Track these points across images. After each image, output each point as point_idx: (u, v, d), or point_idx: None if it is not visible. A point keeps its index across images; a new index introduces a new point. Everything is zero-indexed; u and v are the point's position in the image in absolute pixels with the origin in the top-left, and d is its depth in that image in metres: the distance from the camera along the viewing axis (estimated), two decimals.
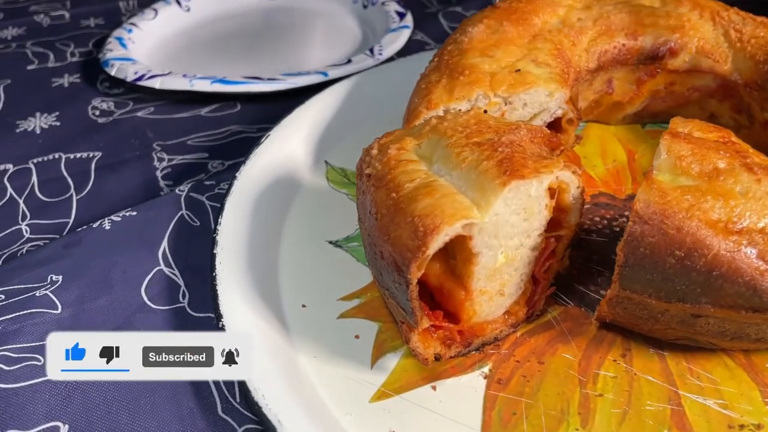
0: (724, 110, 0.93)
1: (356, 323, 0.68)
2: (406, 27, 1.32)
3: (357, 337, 0.67)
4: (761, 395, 0.61)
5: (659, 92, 0.95)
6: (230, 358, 0.58)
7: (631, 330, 0.66)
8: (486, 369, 0.64)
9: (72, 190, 0.97)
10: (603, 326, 0.67)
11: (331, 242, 0.78)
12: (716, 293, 0.56)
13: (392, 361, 0.64)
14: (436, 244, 0.54)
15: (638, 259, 0.57)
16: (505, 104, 0.79)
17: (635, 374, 0.63)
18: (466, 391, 0.62)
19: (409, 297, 0.56)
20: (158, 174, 1.00)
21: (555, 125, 0.85)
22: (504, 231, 0.59)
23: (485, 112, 0.76)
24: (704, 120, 0.93)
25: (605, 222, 0.80)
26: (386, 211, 0.59)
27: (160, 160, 1.03)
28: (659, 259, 0.56)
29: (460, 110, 0.76)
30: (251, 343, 0.60)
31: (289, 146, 0.88)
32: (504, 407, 0.60)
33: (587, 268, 0.74)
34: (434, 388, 0.62)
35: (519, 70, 0.80)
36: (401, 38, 1.28)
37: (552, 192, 0.61)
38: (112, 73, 1.21)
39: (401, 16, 1.38)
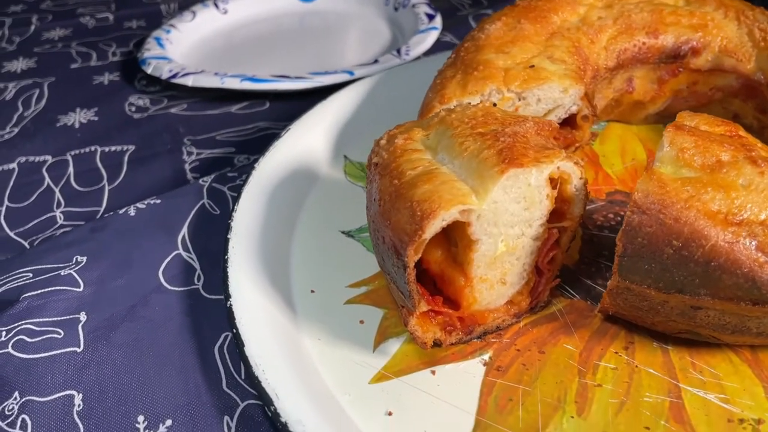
0: (747, 110, 0.92)
1: (362, 309, 0.70)
2: (434, 29, 1.34)
3: (362, 322, 0.68)
4: (765, 391, 0.60)
5: (681, 92, 0.94)
6: (237, 336, 0.61)
7: (634, 323, 0.66)
8: (486, 356, 0.65)
9: (105, 181, 1.02)
10: (607, 319, 0.68)
11: (343, 232, 0.80)
12: (715, 285, 0.56)
13: (394, 345, 0.66)
14: (432, 228, 0.55)
15: (636, 249, 0.57)
16: (519, 99, 0.80)
17: (636, 366, 0.63)
18: (464, 376, 0.63)
19: (407, 280, 0.57)
20: (186, 167, 1.03)
21: (570, 122, 0.85)
22: (504, 219, 0.60)
23: (495, 106, 0.77)
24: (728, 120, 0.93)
25: (618, 219, 0.80)
26: (388, 198, 0.60)
27: (189, 153, 1.07)
28: (657, 249, 0.56)
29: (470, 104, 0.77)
30: (257, 321, 0.62)
31: (308, 140, 0.91)
32: (501, 393, 0.61)
33: (596, 263, 0.74)
34: (433, 372, 0.63)
35: (533, 66, 0.81)
36: (429, 39, 1.29)
37: (554, 182, 0.62)
38: (149, 71, 1.26)
39: (430, 18, 1.40)
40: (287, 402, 0.55)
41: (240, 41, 1.51)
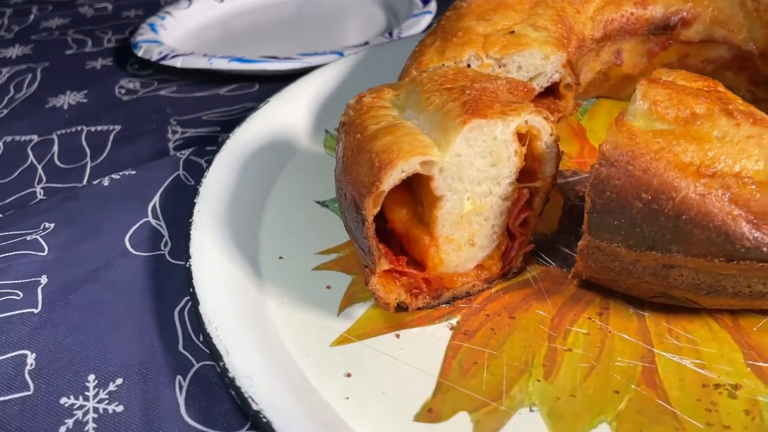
0: (740, 83, 0.89)
1: (330, 275, 0.68)
2: (429, 12, 1.32)
3: (329, 287, 0.66)
4: (744, 357, 0.57)
5: (673, 65, 0.92)
6: (193, 295, 0.59)
7: (610, 289, 0.63)
8: (454, 321, 0.62)
9: (87, 158, 1.01)
10: (582, 286, 0.65)
11: (318, 202, 0.78)
12: (686, 240, 0.53)
13: (360, 310, 0.64)
14: (390, 179, 0.53)
15: (605, 204, 0.55)
16: (499, 66, 0.78)
17: (610, 332, 0.60)
18: (429, 340, 0.60)
19: (366, 235, 0.55)
20: (170, 145, 1.02)
21: (553, 92, 0.83)
22: (469, 174, 0.58)
23: None
24: None
25: None
26: (350, 153, 0.58)
27: (174, 132, 1.06)
28: (626, 203, 0.54)
29: None
30: (215, 282, 0.60)
31: (288, 113, 0.89)
32: (466, 356, 0.59)
33: (575, 232, 0.72)
34: (398, 336, 0.61)
35: (513, 32, 0.79)
36: (422, 23, 1.28)
37: (522, 138, 0.59)
38: (140, 54, 1.25)
39: (425, 2, 1.38)
40: (237, 358, 0.53)
41: (237, 29, 1.51)
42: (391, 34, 1.24)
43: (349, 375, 0.57)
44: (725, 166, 0.53)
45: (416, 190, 0.61)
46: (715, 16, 0.87)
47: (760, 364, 0.56)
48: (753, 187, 0.52)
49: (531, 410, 0.54)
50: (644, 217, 0.53)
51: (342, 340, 0.60)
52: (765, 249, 0.51)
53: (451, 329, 0.61)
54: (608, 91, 0.95)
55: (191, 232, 0.66)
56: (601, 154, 0.54)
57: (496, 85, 0.62)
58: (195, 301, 0.58)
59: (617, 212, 0.54)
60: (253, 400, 0.49)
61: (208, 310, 0.57)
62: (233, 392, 0.50)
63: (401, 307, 0.61)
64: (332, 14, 1.53)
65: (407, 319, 0.62)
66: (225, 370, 0.52)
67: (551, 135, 0.60)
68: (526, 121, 0.58)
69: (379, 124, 0.59)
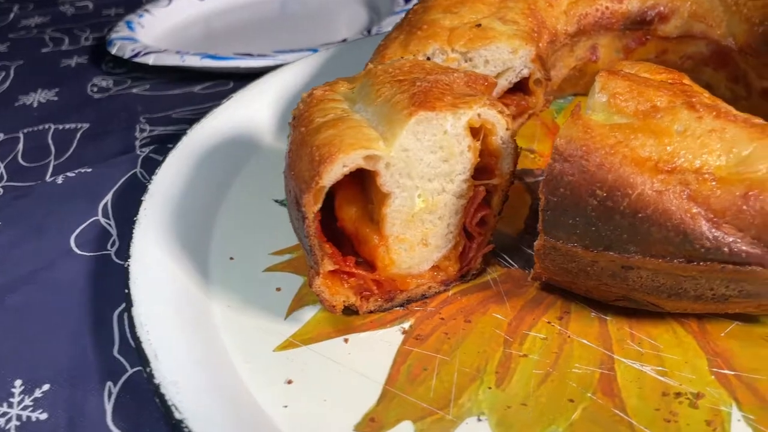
0: (719, 80, 0.86)
1: (282, 277, 0.65)
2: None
3: (278, 289, 0.63)
4: (708, 364, 0.54)
5: (651, 62, 0.87)
6: (128, 297, 0.56)
7: (572, 293, 0.60)
8: (407, 325, 0.59)
9: (51, 157, 0.98)
10: (544, 289, 0.62)
11: (277, 201, 0.75)
12: (644, 240, 0.50)
13: (309, 313, 0.61)
14: (330, 173, 0.50)
15: (559, 201, 0.52)
16: (465, 60, 0.75)
17: (569, 337, 0.57)
18: (379, 345, 0.57)
19: (307, 233, 0.52)
20: (137, 143, 1.00)
21: (523, 87, 0.80)
22: (418, 170, 0.55)
23: None
24: None
25: None
26: (294, 147, 0.56)
27: (142, 131, 1.03)
28: (580, 200, 0.51)
29: None
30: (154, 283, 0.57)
31: (252, 109, 0.86)
32: (415, 362, 0.55)
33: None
34: (346, 340, 0.58)
35: (480, 25, 0.76)
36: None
37: (476, 133, 0.56)
38: (113, 51, 1.23)
39: (406, 0, 1.35)
40: (165, 363, 0.50)
41: (218, 27, 1.49)
42: (369, 32, 1.22)
43: (290, 382, 0.54)
44: (685, 162, 0.49)
45: (367, 187, 0.58)
46: (693, 10, 0.84)
47: (726, 371, 0.53)
48: (713, 183, 0.48)
49: (479, 419, 0.51)
50: (599, 215, 0.50)
51: (287, 345, 0.57)
52: (725, 249, 0.48)
53: (403, 333, 0.58)
54: (585, 89, 0.92)
55: (134, 231, 0.63)
56: (555, 148, 0.51)
57: (452, 78, 0.59)
58: (129, 303, 0.55)
59: (572, 210, 0.51)
60: (176, 408, 0.46)
61: (141, 312, 0.54)
62: (157, 399, 0.47)
63: (351, 310, 0.58)
64: (316, 12, 1.50)
65: (358, 323, 0.59)
66: (151, 375, 0.49)
67: (507, 130, 0.57)
68: (479, 115, 0.55)
69: (325, 116, 0.56)
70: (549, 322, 0.59)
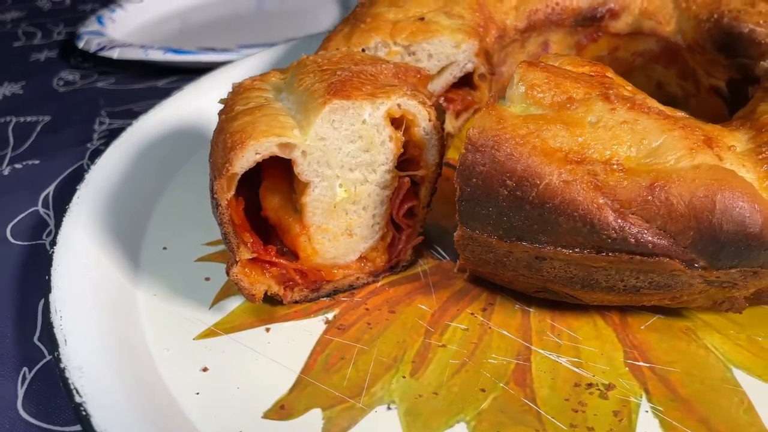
0: (670, 77, 0.86)
1: (213, 267, 0.65)
2: None
3: (208, 279, 0.63)
4: (624, 356, 0.54)
5: (603, 59, 0.89)
6: (47, 282, 0.56)
7: (497, 284, 0.60)
8: (331, 315, 0.59)
9: (9, 149, 0.98)
10: (472, 281, 0.62)
11: None
12: (553, 230, 0.50)
13: (234, 303, 0.61)
14: (242, 160, 0.50)
15: (472, 192, 0.52)
16: (408, 54, 0.75)
17: (489, 328, 0.57)
18: (300, 334, 0.57)
19: (221, 220, 0.53)
20: (95, 136, 1.00)
21: (469, 82, 0.80)
22: (337, 159, 0.55)
23: None
24: (652, 90, 0.87)
25: None
26: (215, 135, 0.56)
27: (102, 124, 1.04)
28: (492, 190, 0.51)
29: None
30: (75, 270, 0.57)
31: (202, 102, 0.86)
32: (334, 352, 0.56)
33: None
34: (268, 330, 0.58)
35: (423, 18, 0.76)
36: None
37: (398, 123, 0.56)
38: (80, 45, 1.23)
39: None
40: (74, 348, 0.50)
41: (195, 23, 1.49)
42: None
43: (205, 369, 0.54)
44: (595, 152, 0.50)
45: (292, 176, 0.58)
46: (644, 7, 0.84)
47: (640, 363, 0.53)
48: (621, 174, 0.49)
49: (389, 408, 0.51)
50: (510, 205, 0.50)
51: (207, 334, 0.58)
52: (632, 240, 0.48)
53: (325, 323, 0.59)
54: None
55: (64, 218, 0.63)
56: (468, 138, 0.51)
57: (379, 69, 0.59)
58: (47, 288, 0.55)
59: (484, 200, 0.51)
60: (77, 392, 0.46)
61: (57, 298, 0.54)
62: (62, 383, 0.47)
63: (275, 300, 0.59)
64: (292, 10, 1.51)
65: (282, 313, 0.60)
66: (58, 359, 0.49)
67: (429, 120, 0.57)
68: (398, 105, 0.55)
69: (246, 105, 0.56)
70: (472, 314, 0.59)
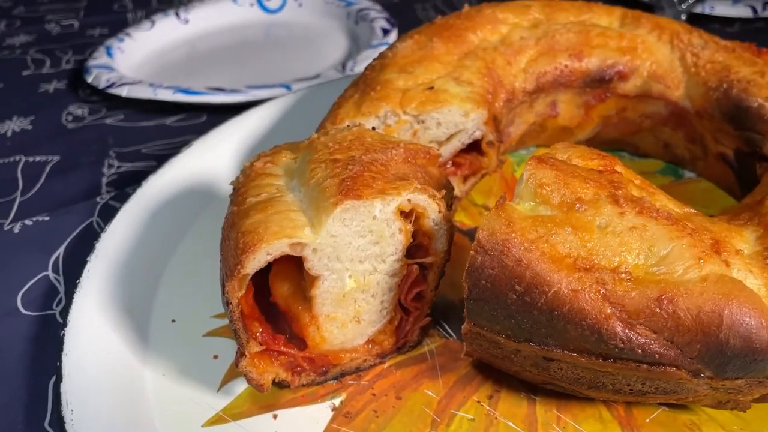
0: (678, 140, 0.87)
1: (220, 343, 0.65)
2: (386, 44, 1.30)
3: (215, 357, 0.64)
4: None
5: (611, 118, 0.89)
6: (58, 369, 0.57)
7: (503, 371, 0.61)
8: (338, 401, 0.60)
9: (18, 192, 0.99)
10: (478, 365, 0.62)
11: None
12: (561, 335, 0.50)
13: (242, 385, 0.61)
14: (253, 262, 0.51)
15: (480, 292, 0.52)
16: (417, 123, 0.76)
17: (496, 418, 0.58)
18: (307, 422, 0.58)
19: (231, 318, 0.53)
20: (103, 180, 1.00)
21: (477, 148, 0.80)
22: (348, 254, 0.55)
23: (384, 130, 0.73)
24: (659, 151, 0.88)
25: None
26: (227, 226, 0.56)
27: (110, 166, 1.04)
28: (500, 293, 0.51)
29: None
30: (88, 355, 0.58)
31: (211, 158, 0.87)
32: None
33: None
34: (275, 417, 0.59)
35: (433, 87, 0.76)
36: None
37: (408, 215, 0.57)
38: (89, 80, 1.23)
39: (385, 32, 1.36)
40: None
41: (201, 52, 1.49)
42: (344, 66, 1.22)
43: None
44: (603, 259, 0.50)
45: (302, 264, 0.58)
46: (653, 70, 0.84)
47: None
48: (629, 283, 0.49)
49: None
50: (518, 309, 0.51)
51: (216, 420, 0.58)
52: (639, 350, 0.49)
53: (332, 410, 0.59)
54: (546, 141, 0.93)
55: (75, 296, 0.64)
56: (477, 240, 0.51)
57: (389, 156, 0.60)
58: (58, 377, 0.56)
59: (493, 302, 0.52)
60: None
61: (69, 389, 0.55)
62: None
63: (283, 385, 0.59)
64: (299, 38, 1.51)
65: (288, 398, 0.60)
66: None
67: (439, 212, 0.57)
68: (409, 200, 0.55)
69: (258, 196, 0.56)
70: (479, 402, 0.59)
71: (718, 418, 0.57)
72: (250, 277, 0.52)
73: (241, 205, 0.56)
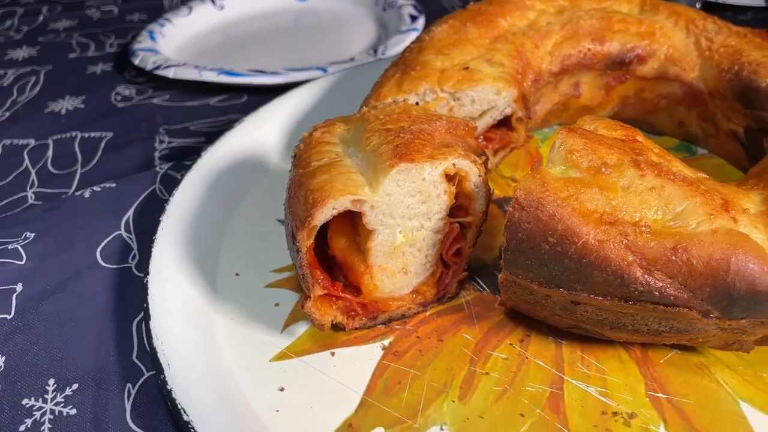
0: (691, 118, 0.94)
1: (280, 293, 0.73)
2: (415, 30, 1.37)
3: (277, 305, 0.72)
4: (646, 387, 0.62)
5: (629, 98, 0.96)
6: (146, 310, 0.65)
7: (533, 318, 0.68)
8: (387, 342, 0.68)
9: (78, 165, 1.07)
10: (510, 314, 0.70)
11: (280, 221, 0.83)
12: (588, 280, 0.58)
13: (302, 328, 0.69)
14: (321, 215, 0.59)
15: (517, 244, 0.60)
16: (453, 100, 0.83)
17: (527, 358, 0.65)
18: (361, 359, 0.66)
19: (300, 264, 0.61)
20: (156, 155, 1.08)
21: (507, 124, 0.88)
22: (399, 211, 0.63)
23: (425, 106, 0.81)
24: (674, 129, 0.95)
25: None
26: (293, 186, 0.64)
27: (161, 142, 1.12)
28: (535, 245, 0.59)
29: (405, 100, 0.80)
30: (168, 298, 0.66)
31: (261, 133, 0.95)
32: (391, 376, 0.64)
33: None
34: (333, 354, 0.67)
35: (468, 67, 0.83)
36: (407, 40, 1.32)
37: (452, 178, 0.64)
38: (136, 62, 1.31)
39: (413, 19, 1.43)
40: (176, 372, 0.59)
41: (235, 37, 1.56)
42: (375, 51, 1.29)
43: (282, 389, 0.63)
44: (626, 215, 0.57)
45: (356, 221, 0.66)
46: (669, 54, 0.91)
47: (659, 395, 0.61)
48: (648, 235, 0.56)
49: (442, 429, 0.59)
50: (551, 258, 0.59)
51: (281, 356, 0.66)
52: (656, 293, 0.56)
53: (382, 349, 0.67)
54: (568, 120, 1.00)
55: (153, 249, 0.72)
56: (515, 198, 0.59)
57: (434, 126, 0.67)
58: (147, 316, 0.64)
59: (528, 252, 0.60)
60: (185, 412, 0.55)
61: (157, 325, 0.63)
62: (169, 403, 0.56)
63: (338, 327, 0.67)
64: (329, 24, 1.58)
65: (344, 339, 0.68)
66: (164, 382, 0.58)
67: (479, 176, 0.65)
68: (453, 165, 0.63)
69: (321, 160, 0.64)
70: (511, 344, 0.67)
71: (725, 360, 0.64)
72: (317, 228, 0.60)
73: (306, 167, 0.64)
